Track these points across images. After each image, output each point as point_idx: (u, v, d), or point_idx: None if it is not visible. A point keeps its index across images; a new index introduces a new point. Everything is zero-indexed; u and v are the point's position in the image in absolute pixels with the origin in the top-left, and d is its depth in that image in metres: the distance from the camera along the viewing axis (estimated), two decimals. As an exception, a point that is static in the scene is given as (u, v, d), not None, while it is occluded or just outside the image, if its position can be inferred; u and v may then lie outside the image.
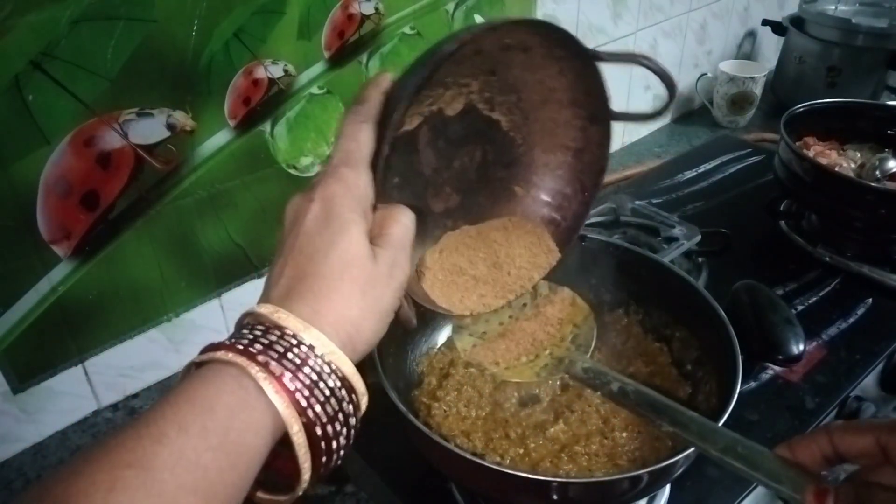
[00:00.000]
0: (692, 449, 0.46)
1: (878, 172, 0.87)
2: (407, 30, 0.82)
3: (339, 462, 0.34)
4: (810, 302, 0.83)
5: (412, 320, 0.49)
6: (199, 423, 0.29)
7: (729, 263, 0.86)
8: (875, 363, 0.74)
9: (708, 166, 1.12)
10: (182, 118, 0.66)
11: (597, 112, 0.50)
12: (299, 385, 0.31)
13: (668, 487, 0.59)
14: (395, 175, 0.47)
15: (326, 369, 0.32)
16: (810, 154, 0.90)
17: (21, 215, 0.60)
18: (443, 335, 0.68)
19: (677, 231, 0.86)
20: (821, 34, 1.28)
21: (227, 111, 0.70)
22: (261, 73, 0.71)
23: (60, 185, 0.61)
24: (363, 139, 0.38)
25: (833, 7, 1.33)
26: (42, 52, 0.56)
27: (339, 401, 0.33)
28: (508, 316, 0.55)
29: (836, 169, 0.88)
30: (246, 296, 0.80)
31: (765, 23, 1.40)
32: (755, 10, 1.43)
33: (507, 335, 0.55)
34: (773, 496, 0.65)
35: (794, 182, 0.88)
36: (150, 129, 0.65)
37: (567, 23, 1.00)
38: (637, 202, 0.95)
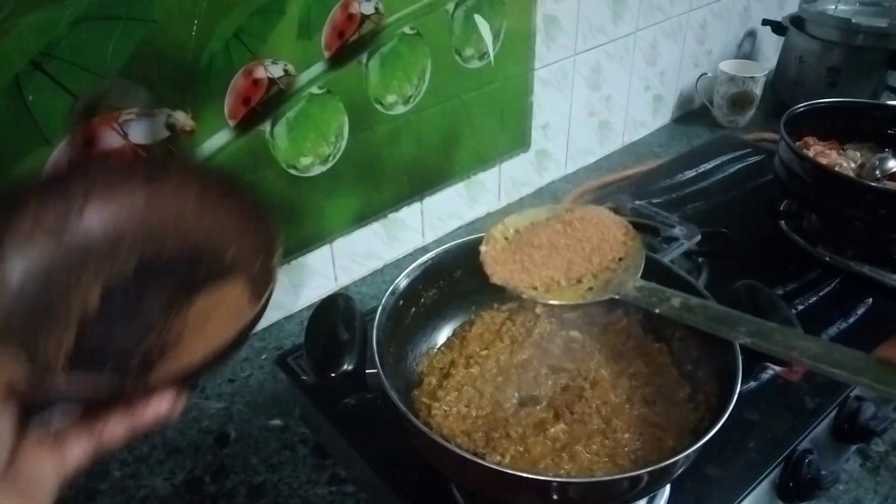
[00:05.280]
0: (692, 449, 0.46)
1: (878, 172, 0.87)
2: (407, 30, 0.82)
3: None
4: (810, 302, 0.82)
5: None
6: None
7: (729, 263, 0.86)
8: (875, 363, 0.74)
9: (708, 166, 1.12)
10: (182, 118, 0.67)
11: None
12: None
13: (668, 487, 0.59)
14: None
15: None
16: (810, 154, 0.90)
17: (21, 215, 0.60)
18: (443, 335, 0.68)
19: (677, 231, 0.86)
20: (821, 34, 1.28)
21: (227, 111, 0.70)
22: (261, 73, 0.71)
23: (60, 185, 0.61)
24: None
25: (833, 7, 1.32)
26: (42, 52, 0.56)
27: None
28: (531, 223, 0.59)
29: (836, 169, 0.88)
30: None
31: (765, 23, 1.40)
32: (755, 10, 1.43)
33: (541, 248, 0.56)
34: (773, 497, 0.65)
35: (794, 182, 0.88)
36: (150, 130, 0.65)
37: (567, 22, 1.00)
38: (637, 202, 0.94)
